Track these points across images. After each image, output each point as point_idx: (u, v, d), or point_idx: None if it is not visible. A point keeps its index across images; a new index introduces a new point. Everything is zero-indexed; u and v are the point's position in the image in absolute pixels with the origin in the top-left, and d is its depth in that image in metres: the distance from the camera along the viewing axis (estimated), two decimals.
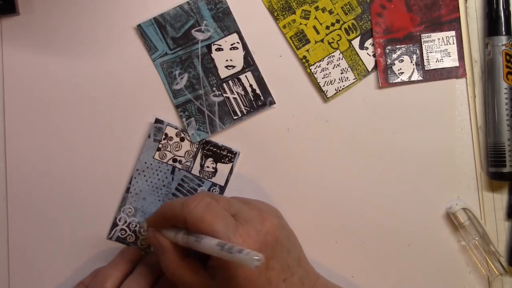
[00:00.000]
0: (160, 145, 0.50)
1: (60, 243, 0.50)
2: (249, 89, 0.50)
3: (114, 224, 0.50)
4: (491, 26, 0.51)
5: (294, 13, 0.51)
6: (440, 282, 0.53)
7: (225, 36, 0.50)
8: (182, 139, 0.50)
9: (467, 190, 0.53)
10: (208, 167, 0.51)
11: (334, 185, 0.52)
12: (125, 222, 0.50)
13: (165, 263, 0.44)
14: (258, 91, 0.50)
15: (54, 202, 0.50)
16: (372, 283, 0.52)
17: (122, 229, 0.50)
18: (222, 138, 0.51)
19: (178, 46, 0.50)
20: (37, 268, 0.50)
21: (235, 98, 0.50)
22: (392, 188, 0.52)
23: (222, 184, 0.51)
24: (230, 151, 0.51)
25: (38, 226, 0.50)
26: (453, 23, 0.52)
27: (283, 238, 0.43)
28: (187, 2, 0.50)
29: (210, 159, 0.51)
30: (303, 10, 0.51)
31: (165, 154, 0.50)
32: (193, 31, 0.50)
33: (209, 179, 0.51)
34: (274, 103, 0.51)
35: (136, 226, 0.50)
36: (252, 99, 0.51)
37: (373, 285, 0.52)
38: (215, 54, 0.50)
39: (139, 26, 0.49)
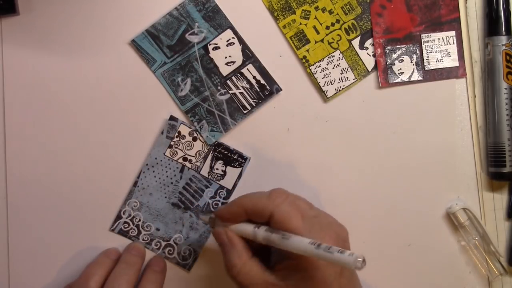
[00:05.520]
0: (172, 143, 0.50)
1: (62, 238, 0.50)
2: (253, 81, 0.51)
3: (118, 217, 0.50)
4: (491, 26, 0.51)
5: (294, 13, 0.51)
6: (440, 282, 0.53)
7: (219, 34, 0.50)
8: (194, 139, 0.50)
9: (467, 190, 0.53)
10: (217, 169, 0.51)
11: (334, 185, 0.52)
12: (129, 215, 0.50)
13: (231, 260, 0.43)
14: (262, 81, 0.51)
15: (55, 199, 0.50)
16: (372, 283, 0.52)
17: (125, 222, 0.50)
18: (222, 138, 0.51)
19: (175, 53, 0.50)
20: (37, 266, 0.50)
21: (241, 93, 0.50)
22: (392, 188, 0.52)
23: (230, 188, 0.51)
24: (241, 155, 0.51)
25: (39, 225, 0.50)
26: (453, 23, 0.52)
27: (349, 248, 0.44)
28: (175, 8, 0.50)
29: (220, 161, 0.51)
30: (303, 10, 0.51)
31: (176, 152, 0.50)
32: (187, 35, 0.50)
33: (217, 182, 0.51)
34: (281, 89, 0.51)
35: (139, 220, 0.50)
36: (258, 90, 0.51)
37: (373, 285, 0.52)
38: (213, 54, 0.50)
39: (133, 41, 0.49)
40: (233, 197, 0.51)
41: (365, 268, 0.52)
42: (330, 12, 0.51)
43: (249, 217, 0.43)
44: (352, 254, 0.36)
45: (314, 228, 0.41)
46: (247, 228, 0.43)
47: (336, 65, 0.52)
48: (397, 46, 0.52)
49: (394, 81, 0.52)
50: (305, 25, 0.51)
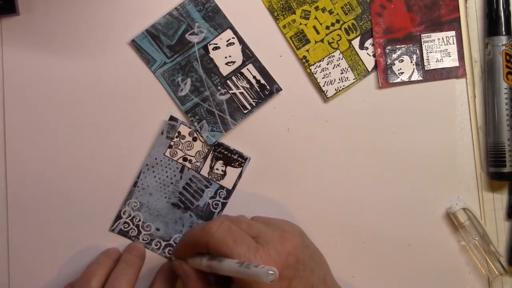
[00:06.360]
0: (172, 143, 0.50)
1: (62, 238, 0.50)
2: (253, 81, 0.51)
3: (118, 217, 0.50)
4: (491, 26, 0.51)
5: (294, 13, 0.51)
6: (440, 282, 0.53)
7: (219, 34, 0.50)
8: (194, 139, 0.50)
9: (467, 190, 0.53)
10: (217, 169, 0.51)
11: (334, 185, 0.52)
12: (129, 215, 0.50)
13: None
14: (262, 81, 0.51)
15: (55, 200, 0.50)
16: (372, 283, 0.52)
17: (125, 222, 0.50)
18: (222, 138, 0.51)
19: (175, 53, 0.50)
20: (37, 266, 0.50)
21: (241, 93, 0.50)
22: (392, 188, 0.52)
23: (230, 188, 0.51)
24: (241, 155, 0.51)
25: (39, 225, 0.50)
26: (453, 23, 0.52)
27: (306, 257, 0.43)
28: (175, 8, 0.50)
29: (220, 161, 0.51)
30: (303, 10, 0.51)
31: (176, 152, 0.50)
32: (187, 35, 0.50)
33: (217, 182, 0.51)
34: (281, 89, 0.51)
35: (139, 220, 0.50)
36: (258, 90, 0.51)
37: (373, 285, 0.52)
38: (213, 54, 0.50)
39: (133, 41, 0.49)
40: (233, 197, 0.51)
41: (365, 268, 0.53)
42: (330, 12, 0.51)
43: (193, 250, 0.45)
44: (264, 267, 0.37)
45: (250, 249, 0.41)
46: (196, 260, 0.45)
47: (336, 65, 0.52)
48: (397, 46, 0.52)
49: (394, 81, 0.52)
50: (305, 25, 0.51)
